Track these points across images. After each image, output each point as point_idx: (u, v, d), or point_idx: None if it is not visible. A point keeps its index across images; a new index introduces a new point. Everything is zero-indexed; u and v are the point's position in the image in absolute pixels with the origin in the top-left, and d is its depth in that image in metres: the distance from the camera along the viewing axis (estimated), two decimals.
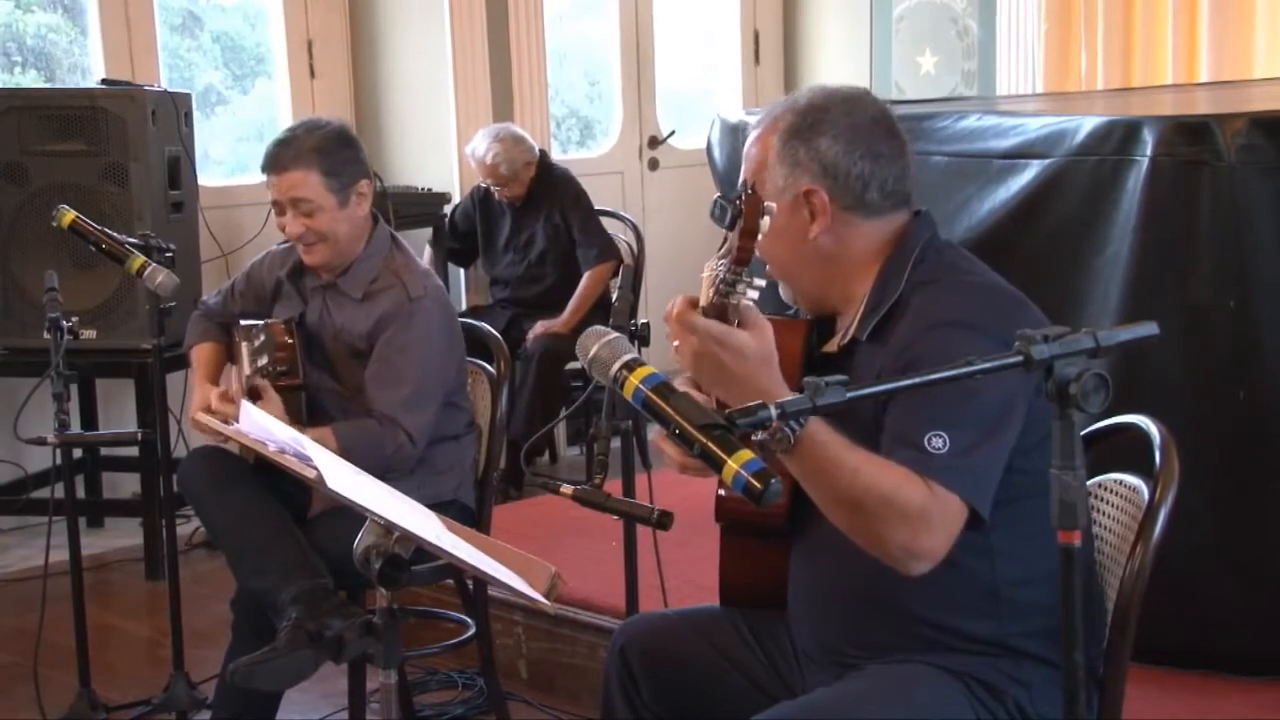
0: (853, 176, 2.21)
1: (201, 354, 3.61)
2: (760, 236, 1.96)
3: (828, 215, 2.20)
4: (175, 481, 3.53)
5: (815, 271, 2.24)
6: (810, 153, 2.20)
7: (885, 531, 1.96)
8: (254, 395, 3.30)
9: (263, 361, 3.30)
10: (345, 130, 3.50)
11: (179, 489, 3.52)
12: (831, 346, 2.28)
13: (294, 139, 3.40)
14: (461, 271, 6.32)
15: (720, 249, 2.01)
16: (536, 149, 5.91)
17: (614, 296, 2.73)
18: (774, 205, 1.98)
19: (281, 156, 3.38)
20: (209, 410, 3.31)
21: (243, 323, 3.51)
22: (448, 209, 6.15)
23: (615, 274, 5.78)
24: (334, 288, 3.47)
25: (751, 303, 2.01)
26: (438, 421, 3.39)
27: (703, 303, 2.02)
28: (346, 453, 3.22)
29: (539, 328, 5.69)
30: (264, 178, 3.45)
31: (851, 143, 2.21)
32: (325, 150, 3.38)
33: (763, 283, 2.03)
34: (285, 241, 3.68)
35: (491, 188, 5.89)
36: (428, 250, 5.96)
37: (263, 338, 3.32)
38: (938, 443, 1.99)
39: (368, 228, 3.46)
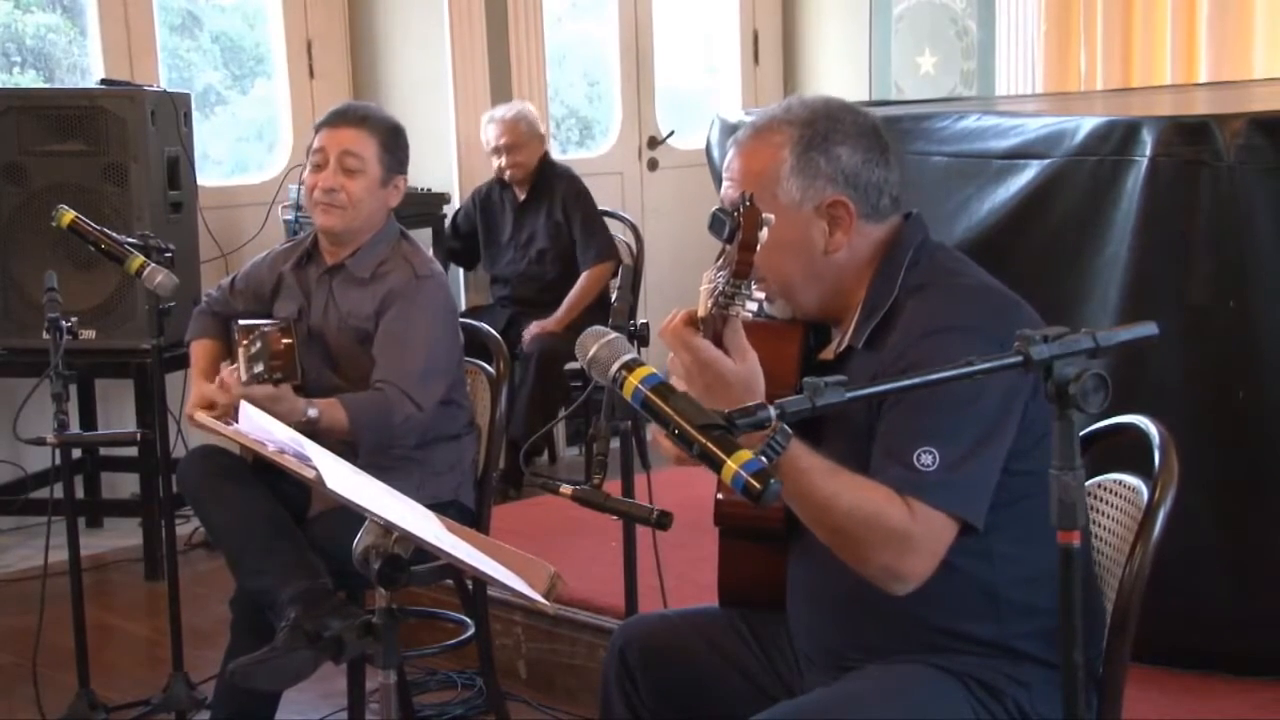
0: (871, 184, 2.20)
1: (200, 350, 3.62)
2: (759, 248, 1.95)
3: (853, 224, 2.20)
4: (174, 481, 3.53)
5: (826, 285, 2.22)
6: (831, 163, 2.18)
7: (868, 554, 1.98)
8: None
9: (258, 369, 3.30)
10: (404, 130, 3.60)
11: (178, 488, 3.52)
12: (828, 354, 2.27)
13: (365, 108, 3.58)
14: (461, 272, 6.32)
15: (718, 260, 2.00)
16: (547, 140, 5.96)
17: (613, 297, 2.73)
18: (772, 216, 1.97)
19: (350, 115, 3.50)
20: (208, 406, 3.31)
21: (241, 323, 3.51)
22: (447, 209, 6.15)
23: (613, 275, 5.78)
24: (341, 270, 3.48)
25: (750, 314, 2.00)
26: (436, 420, 3.39)
27: (701, 314, 2.01)
28: (354, 422, 3.25)
29: (534, 328, 5.69)
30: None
31: (868, 150, 2.21)
32: (390, 131, 3.51)
33: (761, 295, 2.02)
34: (287, 243, 3.69)
35: (500, 158, 5.85)
36: (429, 252, 5.96)
37: (259, 345, 3.31)
38: (927, 459, 1.99)
39: (385, 219, 3.51)
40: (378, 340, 3.39)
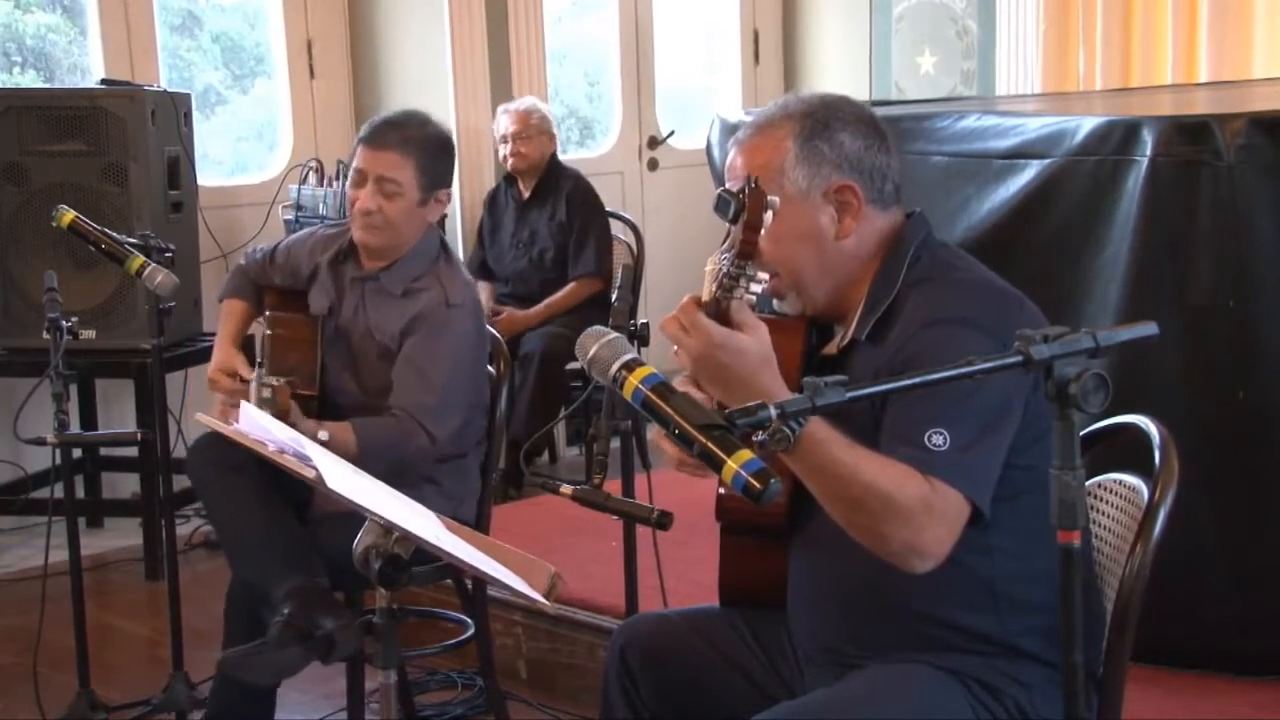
0: (875, 169, 2.23)
1: (230, 310, 3.61)
2: (764, 231, 1.96)
3: (861, 209, 2.21)
4: (186, 464, 3.50)
5: (837, 276, 2.23)
6: (835, 149, 2.20)
7: (888, 529, 1.96)
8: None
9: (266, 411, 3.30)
10: (450, 138, 3.54)
11: (187, 472, 3.50)
12: (831, 349, 2.28)
13: (406, 124, 3.44)
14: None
15: (724, 242, 2.01)
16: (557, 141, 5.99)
17: (613, 297, 2.72)
18: (777, 199, 1.98)
19: (388, 135, 3.41)
20: (230, 374, 3.38)
21: (268, 313, 3.51)
22: (447, 209, 6.13)
23: (600, 290, 5.75)
24: (375, 281, 3.46)
25: (755, 297, 2.01)
26: (451, 443, 3.38)
27: (705, 297, 2.02)
28: (363, 449, 3.24)
29: (506, 314, 5.69)
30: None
31: (868, 136, 2.23)
32: (429, 147, 3.43)
33: (766, 276, 2.03)
34: (335, 225, 3.67)
35: (506, 145, 5.85)
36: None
37: (270, 393, 3.23)
38: (938, 440, 1.99)
39: (424, 232, 3.48)
40: (398, 366, 3.37)
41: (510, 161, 5.88)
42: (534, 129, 5.85)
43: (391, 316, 3.41)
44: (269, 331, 3.45)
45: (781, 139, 2.22)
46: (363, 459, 3.19)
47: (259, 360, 3.43)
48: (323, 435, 3.21)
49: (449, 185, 3.51)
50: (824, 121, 2.22)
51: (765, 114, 2.28)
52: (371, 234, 3.41)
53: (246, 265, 3.66)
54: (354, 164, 3.45)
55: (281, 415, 3.25)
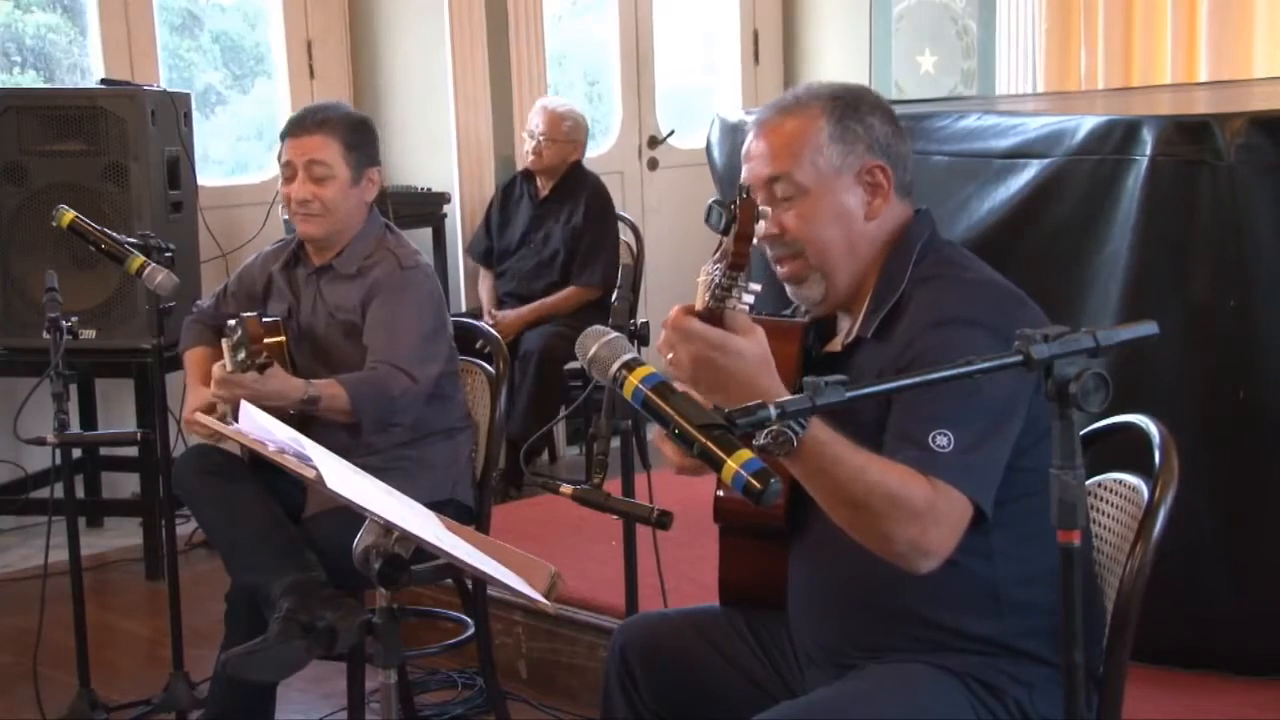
0: (900, 156, 2.24)
1: (194, 358, 3.62)
2: (756, 240, 1.95)
3: (890, 192, 2.21)
4: (173, 480, 3.53)
5: (859, 259, 2.22)
6: (866, 130, 2.22)
7: (892, 530, 1.95)
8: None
9: (241, 355, 3.31)
10: (370, 120, 3.62)
11: (174, 487, 3.52)
12: (835, 346, 2.27)
13: (324, 109, 3.54)
14: (461, 272, 6.30)
15: (716, 253, 2.00)
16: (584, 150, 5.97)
17: (613, 296, 2.72)
18: (769, 209, 1.98)
19: (308, 121, 3.48)
20: (208, 410, 3.32)
21: (230, 323, 3.52)
22: (447, 209, 6.14)
23: (594, 299, 5.75)
24: (329, 270, 3.51)
25: (747, 307, 2.00)
26: (430, 415, 3.41)
27: (698, 307, 2.01)
28: (354, 398, 3.29)
29: (500, 314, 5.70)
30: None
31: (892, 122, 2.26)
32: (351, 127, 3.49)
33: (758, 287, 2.02)
34: (276, 243, 3.70)
35: (533, 140, 5.85)
36: (430, 254, 5.94)
37: (239, 332, 3.32)
38: (942, 440, 1.99)
39: (366, 215, 3.53)
40: (367, 329, 3.42)
41: (530, 159, 5.88)
42: (562, 135, 5.83)
43: (350, 293, 3.46)
44: (225, 339, 3.45)
45: (814, 118, 2.22)
46: (356, 411, 3.28)
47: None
48: (311, 391, 3.24)
49: (378, 164, 3.55)
50: (854, 104, 2.23)
51: (787, 99, 2.28)
52: (312, 224, 3.46)
53: (199, 315, 3.69)
54: (281, 160, 3.49)
55: (255, 340, 3.26)
